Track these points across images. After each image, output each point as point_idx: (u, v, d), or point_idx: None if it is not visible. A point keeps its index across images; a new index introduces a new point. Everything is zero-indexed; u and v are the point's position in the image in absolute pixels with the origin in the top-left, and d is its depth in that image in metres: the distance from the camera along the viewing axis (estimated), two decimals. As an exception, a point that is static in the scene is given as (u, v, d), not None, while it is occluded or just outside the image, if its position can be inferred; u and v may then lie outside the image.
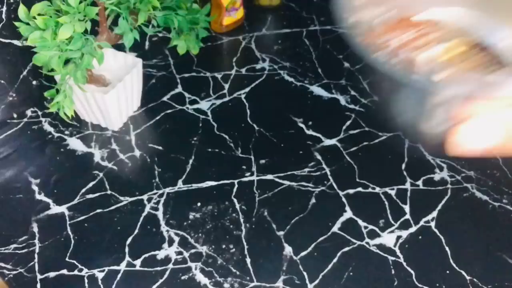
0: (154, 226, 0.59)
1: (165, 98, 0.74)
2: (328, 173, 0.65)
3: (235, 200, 0.61)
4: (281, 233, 0.58)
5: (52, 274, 0.54)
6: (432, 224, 0.60)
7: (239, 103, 0.74)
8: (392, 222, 0.60)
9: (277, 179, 0.64)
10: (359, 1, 0.34)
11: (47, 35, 0.52)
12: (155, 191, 0.62)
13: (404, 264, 0.56)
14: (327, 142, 0.69)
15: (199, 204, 0.61)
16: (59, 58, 0.54)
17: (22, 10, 0.53)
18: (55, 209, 0.60)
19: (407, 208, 0.61)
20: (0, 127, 0.68)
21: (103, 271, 0.55)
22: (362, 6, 0.34)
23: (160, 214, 0.60)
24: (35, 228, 0.58)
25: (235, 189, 0.62)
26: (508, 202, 0.62)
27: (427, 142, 0.36)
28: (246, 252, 0.56)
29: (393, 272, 0.55)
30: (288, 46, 0.84)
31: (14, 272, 0.54)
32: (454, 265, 0.56)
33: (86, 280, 0.54)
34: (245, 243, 0.57)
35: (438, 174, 0.65)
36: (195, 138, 0.68)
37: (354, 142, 0.69)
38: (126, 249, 0.56)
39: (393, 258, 0.56)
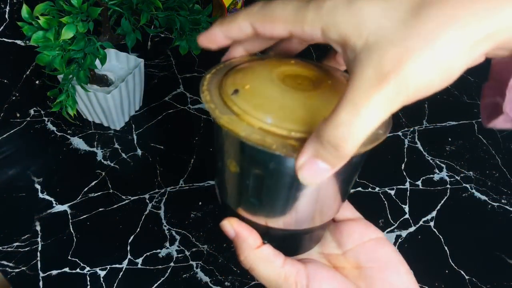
0: (156, 224, 0.59)
1: (167, 98, 0.74)
2: (329, 173, 0.65)
3: (236, 200, 0.62)
4: (281, 232, 0.59)
5: (54, 272, 0.55)
6: (432, 224, 0.60)
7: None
8: (392, 221, 0.60)
9: (277, 179, 0.64)
10: None
11: (50, 35, 0.52)
12: (156, 190, 0.62)
13: (404, 263, 0.56)
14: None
15: (200, 203, 0.61)
16: (62, 58, 0.54)
17: (25, 10, 0.53)
18: (57, 207, 0.60)
19: (406, 208, 0.62)
20: (3, 126, 0.69)
21: (105, 269, 0.55)
22: None
23: (161, 213, 0.60)
24: (37, 226, 0.58)
25: (236, 189, 0.63)
26: (507, 202, 0.62)
27: None
28: (246, 251, 0.57)
29: (392, 271, 0.56)
30: (289, 47, 0.84)
31: (17, 270, 0.55)
32: (453, 265, 0.56)
33: (88, 278, 0.54)
34: (245, 242, 0.58)
35: (438, 174, 0.65)
36: (196, 138, 0.69)
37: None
38: (128, 248, 0.57)
39: (393, 258, 0.57)
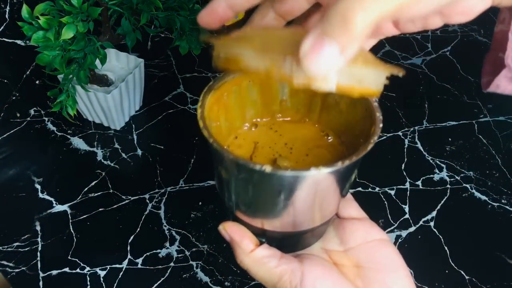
0: (156, 224, 0.59)
1: (167, 98, 0.74)
2: (329, 173, 0.65)
3: (236, 200, 0.62)
4: (281, 232, 0.59)
5: (54, 272, 0.55)
6: (432, 224, 0.60)
7: (240, 103, 0.74)
8: (392, 222, 0.60)
9: (277, 179, 0.64)
10: None
11: (50, 35, 0.52)
12: (157, 190, 0.62)
13: (404, 263, 0.56)
14: (328, 142, 0.69)
15: (200, 203, 0.61)
16: (62, 58, 0.54)
17: (25, 10, 0.53)
18: (57, 207, 0.60)
19: (406, 208, 0.62)
20: (3, 126, 0.69)
21: (105, 269, 0.55)
22: None
23: (161, 213, 0.60)
24: (37, 226, 0.58)
25: (236, 189, 0.63)
26: (507, 202, 0.62)
27: None
28: (246, 251, 0.57)
29: (392, 271, 0.56)
30: (289, 47, 0.84)
31: (17, 270, 0.55)
32: (453, 265, 0.56)
33: (88, 278, 0.54)
34: (245, 242, 0.58)
35: (438, 174, 0.65)
36: (196, 138, 0.69)
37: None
38: (128, 248, 0.57)
39: (393, 258, 0.57)
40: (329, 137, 0.35)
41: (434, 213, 0.61)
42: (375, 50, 0.84)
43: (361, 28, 0.20)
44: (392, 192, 0.63)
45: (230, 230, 0.32)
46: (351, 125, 0.34)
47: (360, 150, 0.28)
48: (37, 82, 0.71)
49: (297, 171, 0.26)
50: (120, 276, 0.54)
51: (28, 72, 0.69)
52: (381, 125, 0.30)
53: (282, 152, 0.34)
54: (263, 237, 0.33)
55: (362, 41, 0.20)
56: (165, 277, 0.55)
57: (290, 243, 0.34)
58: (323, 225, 0.34)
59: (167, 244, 0.57)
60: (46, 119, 0.70)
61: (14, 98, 0.69)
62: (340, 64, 0.21)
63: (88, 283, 0.54)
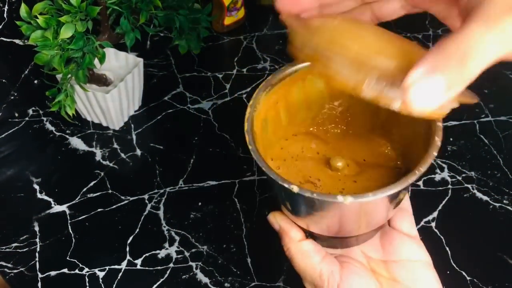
0: (155, 225, 0.59)
1: (166, 98, 0.74)
2: (329, 173, 0.65)
3: (236, 200, 0.61)
4: (281, 233, 0.58)
5: (53, 273, 0.54)
6: (433, 224, 0.60)
7: (240, 103, 0.74)
8: (393, 222, 0.60)
9: (278, 179, 0.64)
10: None
11: (48, 34, 0.52)
12: (156, 190, 0.62)
13: (405, 264, 0.56)
14: (328, 142, 0.69)
15: (200, 203, 0.61)
16: (60, 58, 0.54)
17: (23, 9, 0.53)
18: (56, 208, 0.60)
19: (407, 208, 0.61)
20: (2, 126, 0.68)
21: (104, 270, 0.55)
22: None
23: (161, 213, 0.60)
24: (36, 227, 0.58)
25: (236, 189, 0.62)
26: (508, 202, 0.62)
27: None
28: (246, 251, 0.56)
29: (393, 272, 0.55)
30: (289, 46, 0.84)
31: (15, 271, 0.54)
32: (455, 266, 0.56)
33: (87, 279, 0.54)
34: (245, 243, 0.57)
35: (439, 174, 0.65)
36: (196, 138, 0.68)
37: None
38: (127, 248, 0.56)
39: (394, 258, 0.56)
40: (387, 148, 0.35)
41: (435, 214, 0.61)
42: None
43: (475, 72, 0.20)
44: (393, 193, 0.63)
45: (279, 218, 0.34)
46: (410, 139, 0.33)
47: (402, 181, 0.26)
48: (35, 81, 0.70)
49: (321, 195, 0.26)
50: (119, 277, 0.54)
51: (26, 72, 0.69)
52: (435, 153, 0.28)
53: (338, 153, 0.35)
54: (309, 236, 0.33)
55: (469, 82, 0.20)
56: (164, 278, 0.54)
57: (332, 243, 0.35)
58: (369, 232, 0.33)
59: (167, 245, 0.57)
60: (45, 119, 0.70)
61: (12, 97, 0.69)
62: (443, 101, 0.21)
63: (87, 284, 0.53)
